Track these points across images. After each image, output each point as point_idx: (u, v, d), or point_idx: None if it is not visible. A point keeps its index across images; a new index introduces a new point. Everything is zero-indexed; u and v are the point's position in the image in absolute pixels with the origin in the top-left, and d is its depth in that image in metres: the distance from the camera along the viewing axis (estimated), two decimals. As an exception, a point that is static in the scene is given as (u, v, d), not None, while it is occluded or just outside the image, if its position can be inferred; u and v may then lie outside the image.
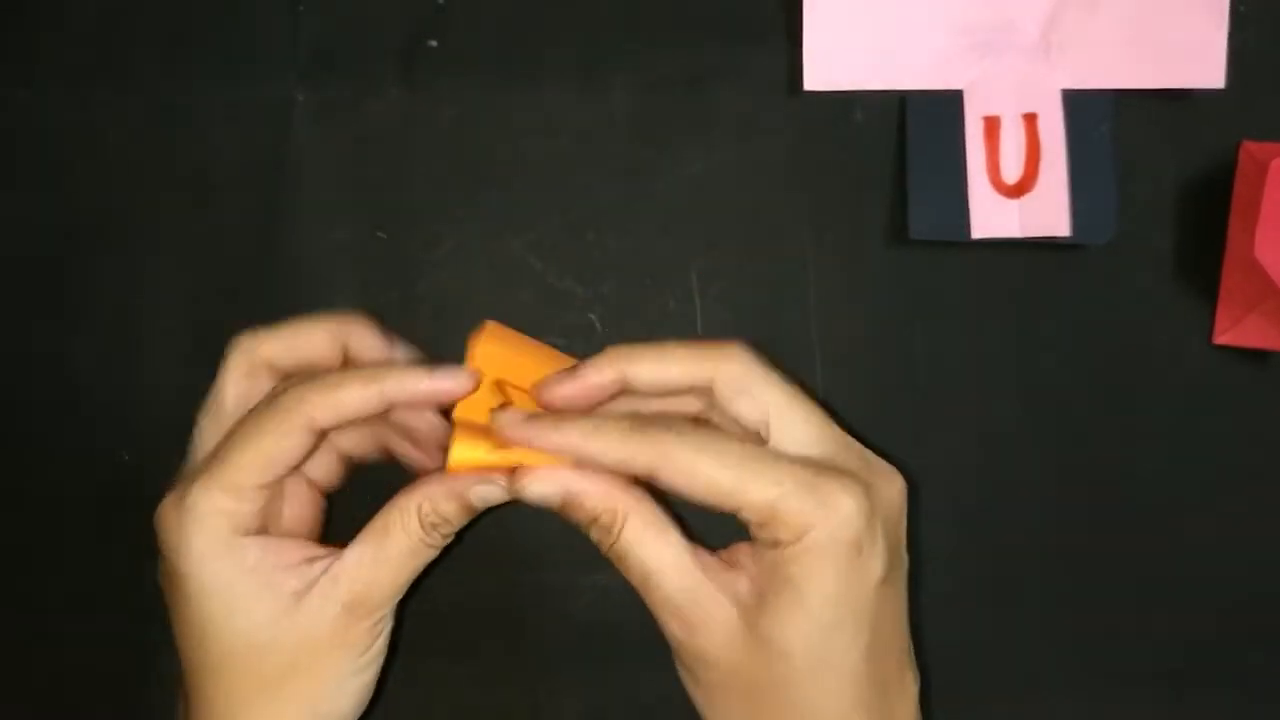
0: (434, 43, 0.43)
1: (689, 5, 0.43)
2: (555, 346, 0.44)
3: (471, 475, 0.35)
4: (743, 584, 0.35)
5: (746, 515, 0.34)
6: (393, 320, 0.44)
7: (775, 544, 0.34)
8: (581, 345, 0.44)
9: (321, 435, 0.36)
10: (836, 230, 0.44)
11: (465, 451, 0.35)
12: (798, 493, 0.33)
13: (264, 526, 0.36)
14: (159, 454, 0.44)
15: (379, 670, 0.38)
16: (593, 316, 0.44)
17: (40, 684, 0.45)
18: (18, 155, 0.44)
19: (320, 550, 0.37)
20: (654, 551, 0.35)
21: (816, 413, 0.37)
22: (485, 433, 0.36)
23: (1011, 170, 0.42)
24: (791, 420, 0.36)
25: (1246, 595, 0.44)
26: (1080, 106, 0.42)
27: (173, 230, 0.44)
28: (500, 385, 0.37)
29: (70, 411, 0.44)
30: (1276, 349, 0.43)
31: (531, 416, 0.35)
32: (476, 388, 0.36)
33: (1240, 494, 0.44)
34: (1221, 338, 0.43)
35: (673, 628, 0.35)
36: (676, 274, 0.44)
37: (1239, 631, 0.44)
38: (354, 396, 0.35)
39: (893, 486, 0.36)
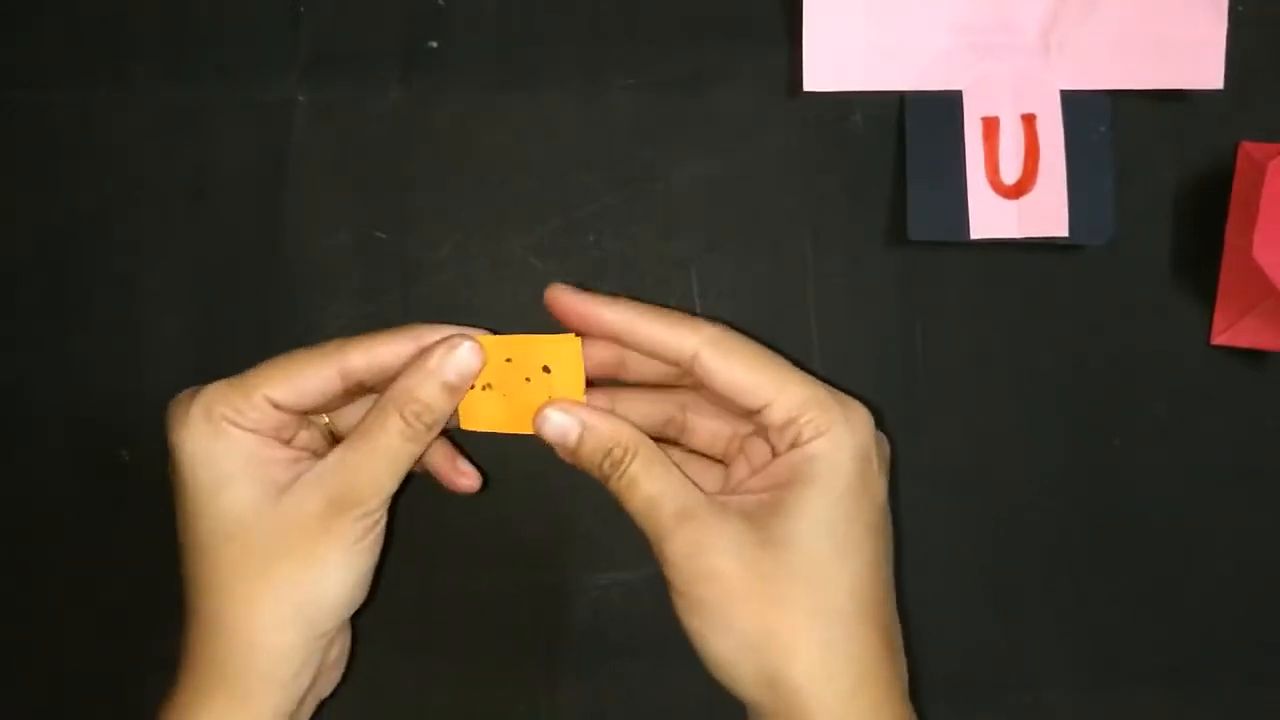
0: (434, 43, 0.43)
1: (689, 6, 0.43)
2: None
3: (442, 350, 0.37)
4: (749, 501, 0.37)
5: (774, 412, 0.36)
6: (393, 321, 0.44)
7: (794, 444, 0.36)
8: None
9: (353, 384, 0.37)
10: (836, 230, 0.44)
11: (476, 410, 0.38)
12: (826, 396, 0.37)
13: (264, 433, 0.38)
14: (159, 454, 0.44)
15: (371, 566, 0.38)
16: (593, 316, 0.44)
17: (41, 682, 0.45)
18: (18, 155, 0.44)
19: (314, 457, 0.38)
20: (659, 475, 0.36)
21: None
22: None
23: (1010, 171, 0.42)
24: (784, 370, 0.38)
25: (1246, 594, 0.45)
26: (1079, 107, 0.42)
27: (173, 230, 0.44)
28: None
29: (70, 411, 0.44)
30: (1274, 349, 0.43)
31: (584, 292, 0.38)
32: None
33: (1238, 493, 0.44)
34: (1219, 338, 0.43)
35: (675, 546, 0.36)
36: (676, 274, 0.44)
37: (1239, 631, 0.45)
38: (388, 343, 0.37)
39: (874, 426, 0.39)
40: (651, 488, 0.36)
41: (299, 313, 0.44)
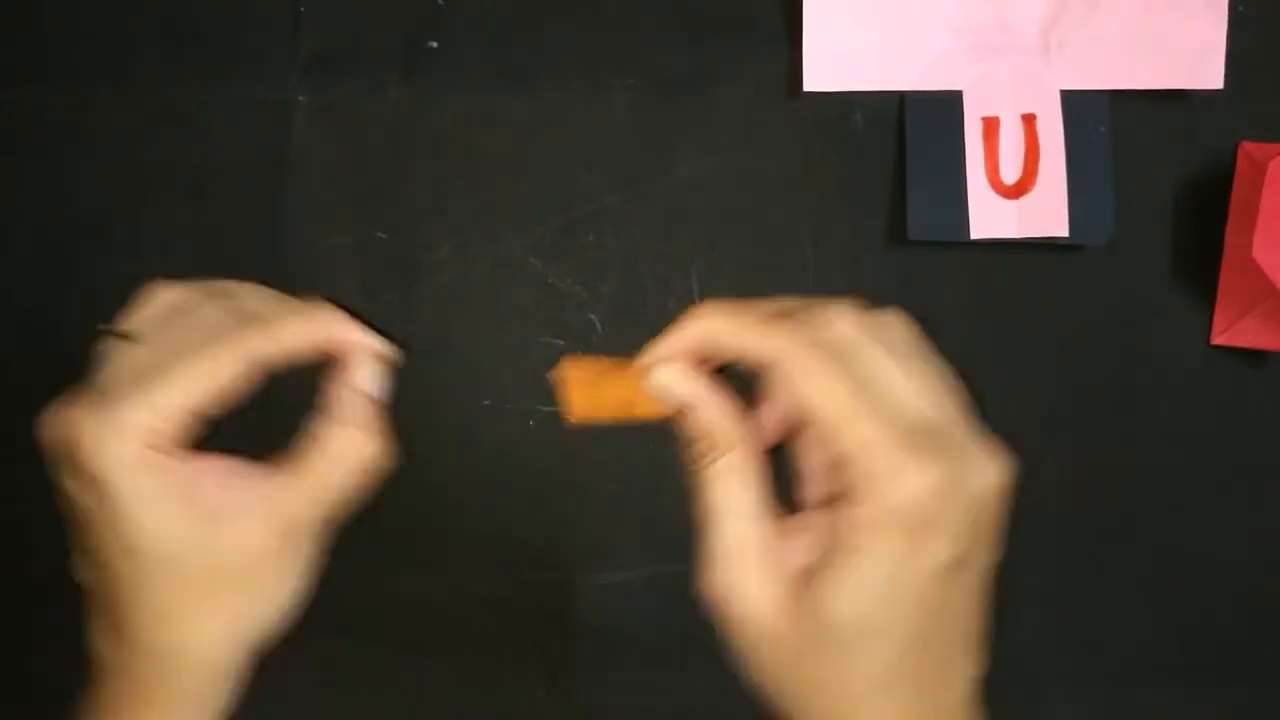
0: (434, 43, 0.43)
1: (689, 5, 0.43)
2: (555, 346, 0.44)
3: (357, 370, 0.36)
4: (797, 557, 0.34)
5: (835, 448, 0.33)
6: (393, 320, 0.44)
7: (845, 498, 0.33)
8: (581, 345, 0.44)
9: (261, 371, 0.35)
10: (836, 230, 0.44)
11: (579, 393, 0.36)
12: (881, 454, 0.32)
13: (190, 446, 0.35)
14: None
15: (309, 581, 0.37)
16: (593, 316, 0.44)
17: (40, 681, 0.45)
18: (18, 155, 0.44)
19: (247, 470, 0.36)
20: (729, 494, 0.34)
21: (930, 382, 0.35)
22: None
23: (1010, 171, 0.42)
24: (891, 383, 0.34)
25: (1245, 594, 0.45)
26: (1079, 107, 0.42)
27: (173, 230, 0.44)
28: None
29: (70, 411, 0.44)
30: (1274, 349, 0.43)
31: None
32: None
33: (1237, 492, 0.44)
34: (1219, 338, 0.43)
35: (715, 575, 0.34)
36: (676, 274, 0.44)
37: (1239, 631, 0.45)
38: (293, 331, 0.35)
39: (987, 471, 0.34)
40: (719, 502, 0.34)
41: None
